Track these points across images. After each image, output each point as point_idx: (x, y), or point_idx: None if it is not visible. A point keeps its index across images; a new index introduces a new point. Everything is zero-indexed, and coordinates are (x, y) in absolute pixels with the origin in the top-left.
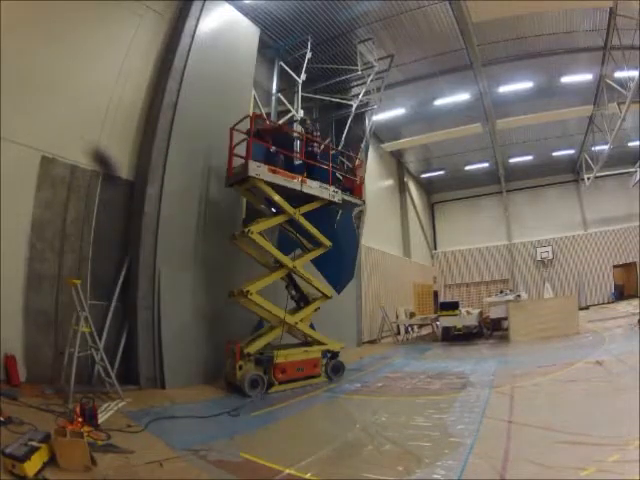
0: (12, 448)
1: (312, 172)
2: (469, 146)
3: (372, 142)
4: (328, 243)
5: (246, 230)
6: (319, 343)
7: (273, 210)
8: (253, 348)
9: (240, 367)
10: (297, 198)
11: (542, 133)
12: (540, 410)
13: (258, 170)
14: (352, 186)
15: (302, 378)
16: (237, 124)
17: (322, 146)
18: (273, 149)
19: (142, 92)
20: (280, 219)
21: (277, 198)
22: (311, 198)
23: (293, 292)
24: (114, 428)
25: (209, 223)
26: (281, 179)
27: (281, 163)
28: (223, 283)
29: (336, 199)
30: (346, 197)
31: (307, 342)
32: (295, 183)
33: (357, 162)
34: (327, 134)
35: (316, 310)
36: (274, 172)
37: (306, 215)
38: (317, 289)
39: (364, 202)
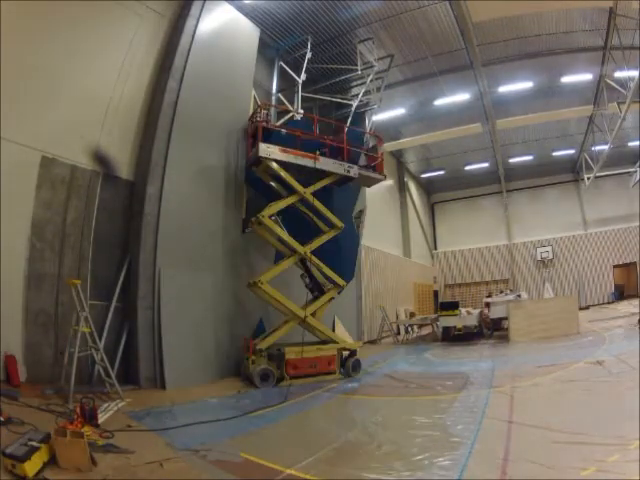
0: (12, 448)
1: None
2: (469, 146)
3: (372, 142)
4: (340, 224)
5: (259, 216)
6: (334, 341)
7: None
8: (265, 344)
9: (253, 361)
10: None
11: (542, 133)
12: (540, 410)
13: (268, 150)
14: (375, 163)
15: (315, 374)
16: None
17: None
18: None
19: (142, 92)
20: (290, 200)
21: (283, 174)
22: (326, 175)
23: (307, 280)
24: (114, 428)
25: (209, 222)
26: (292, 157)
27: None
28: (226, 282)
29: (352, 173)
30: (363, 172)
31: (325, 341)
32: (308, 161)
33: (377, 140)
34: (327, 134)
35: (330, 301)
36: (285, 152)
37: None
38: (328, 277)
39: (385, 177)
